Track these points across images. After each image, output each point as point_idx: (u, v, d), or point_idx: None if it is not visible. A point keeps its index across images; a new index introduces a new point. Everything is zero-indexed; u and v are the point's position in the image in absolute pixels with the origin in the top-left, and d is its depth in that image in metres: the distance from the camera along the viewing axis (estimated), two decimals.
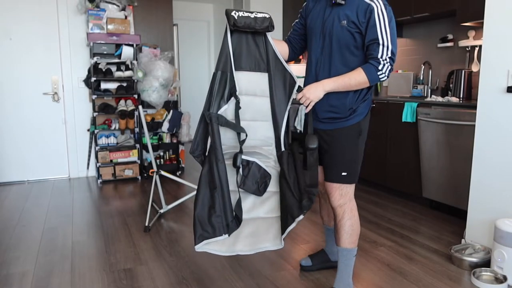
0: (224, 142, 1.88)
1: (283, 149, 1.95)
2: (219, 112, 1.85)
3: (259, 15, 1.84)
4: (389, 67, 1.82)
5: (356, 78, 1.83)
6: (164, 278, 2.29)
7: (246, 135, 1.86)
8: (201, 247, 1.81)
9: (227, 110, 1.87)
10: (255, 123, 1.92)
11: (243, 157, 1.82)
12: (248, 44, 1.89)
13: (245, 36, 1.89)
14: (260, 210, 1.91)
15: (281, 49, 2.08)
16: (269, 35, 1.93)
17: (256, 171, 1.85)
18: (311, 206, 1.85)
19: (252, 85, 1.90)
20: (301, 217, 1.83)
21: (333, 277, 2.20)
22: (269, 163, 1.93)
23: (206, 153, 1.87)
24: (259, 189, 1.87)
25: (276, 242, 1.89)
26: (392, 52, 1.81)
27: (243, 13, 1.82)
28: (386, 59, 1.80)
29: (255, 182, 1.85)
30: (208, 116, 1.81)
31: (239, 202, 1.84)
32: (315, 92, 1.85)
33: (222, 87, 1.86)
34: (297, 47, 2.14)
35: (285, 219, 1.86)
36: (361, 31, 1.82)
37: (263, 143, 1.95)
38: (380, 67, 1.81)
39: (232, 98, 1.87)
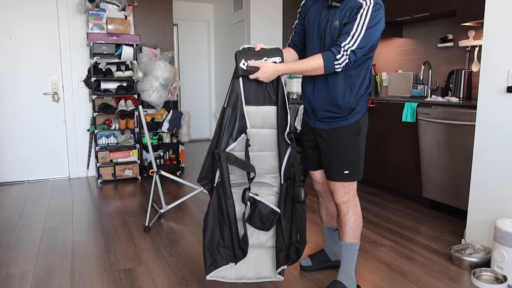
0: (233, 172, 1.93)
1: (282, 181, 1.95)
2: (227, 150, 1.87)
3: (270, 60, 1.83)
4: (347, 60, 1.78)
5: (313, 64, 1.81)
6: (164, 278, 2.29)
7: (255, 174, 1.89)
8: (211, 275, 1.92)
9: (235, 146, 1.89)
10: (261, 153, 1.95)
11: (250, 194, 1.86)
12: (258, 80, 1.87)
13: None
14: (263, 238, 1.99)
15: (289, 56, 2.07)
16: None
17: (261, 209, 1.87)
18: (296, 261, 1.93)
19: (261, 118, 1.92)
20: (286, 267, 1.93)
21: (333, 277, 2.21)
22: (273, 191, 1.96)
23: (215, 184, 1.92)
24: (265, 226, 1.90)
25: (277, 274, 1.96)
26: (358, 47, 1.77)
27: (252, 60, 1.80)
28: (347, 50, 1.76)
29: (260, 220, 1.88)
30: (217, 154, 1.84)
31: (245, 236, 1.89)
32: (269, 76, 1.84)
33: (232, 125, 1.87)
34: (303, 48, 2.12)
35: (277, 257, 1.94)
36: None
37: (268, 172, 1.98)
38: (338, 56, 1.77)
39: (242, 136, 1.89)
